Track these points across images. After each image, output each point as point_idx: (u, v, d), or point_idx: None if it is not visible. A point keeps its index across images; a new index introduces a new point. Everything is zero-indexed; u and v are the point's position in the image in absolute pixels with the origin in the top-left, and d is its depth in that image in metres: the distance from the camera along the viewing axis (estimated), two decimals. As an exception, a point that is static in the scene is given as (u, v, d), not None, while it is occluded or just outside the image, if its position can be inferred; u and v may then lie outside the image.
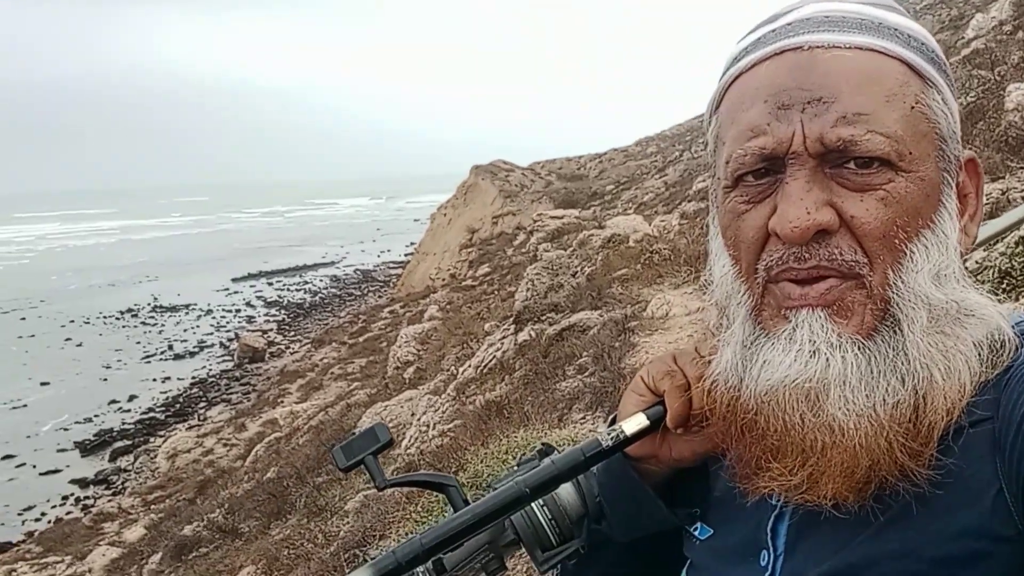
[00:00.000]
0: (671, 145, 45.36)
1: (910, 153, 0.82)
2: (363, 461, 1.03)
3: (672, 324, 7.74)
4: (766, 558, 0.92)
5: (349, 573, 0.94)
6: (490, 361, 10.33)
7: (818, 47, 0.84)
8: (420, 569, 1.00)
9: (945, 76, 0.88)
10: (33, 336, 46.92)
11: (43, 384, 37.18)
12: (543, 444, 1.09)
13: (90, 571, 14.21)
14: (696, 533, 1.02)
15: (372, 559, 0.96)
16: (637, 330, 7.75)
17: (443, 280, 35.15)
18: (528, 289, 11.29)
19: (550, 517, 1.03)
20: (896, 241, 0.82)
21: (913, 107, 0.84)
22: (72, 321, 50.29)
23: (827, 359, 0.81)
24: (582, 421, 6.18)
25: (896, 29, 0.86)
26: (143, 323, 49.90)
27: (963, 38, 16.45)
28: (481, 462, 5.44)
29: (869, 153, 0.81)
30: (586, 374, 7.29)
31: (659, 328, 7.72)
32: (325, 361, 29.35)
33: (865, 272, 0.82)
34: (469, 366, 10.82)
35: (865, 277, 0.82)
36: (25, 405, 34.34)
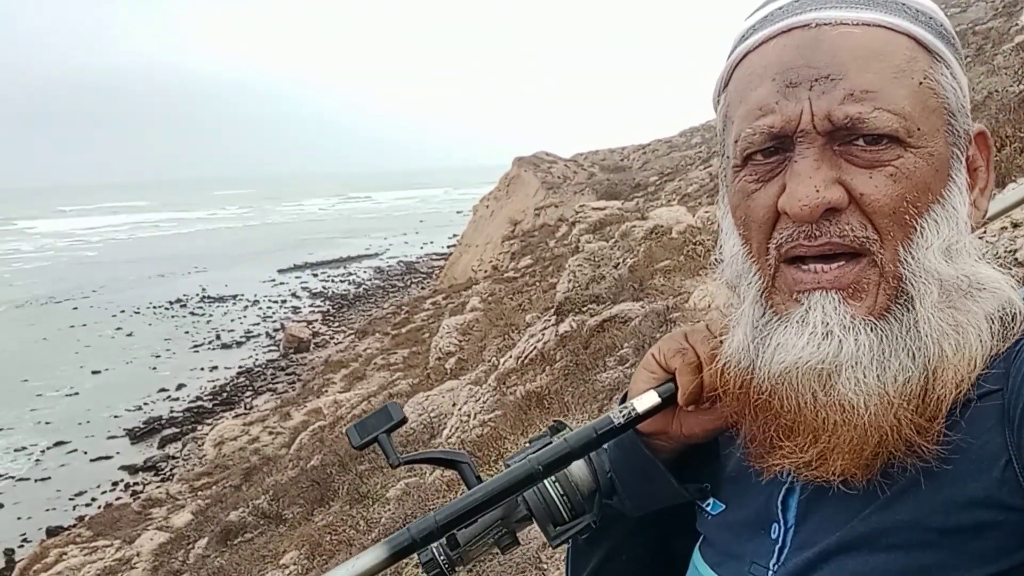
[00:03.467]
0: (715, 135, 44.83)
1: (919, 129, 0.82)
2: (377, 439, 1.04)
3: (715, 316, 7.67)
4: (776, 531, 0.92)
5: (364, 552, 0.95)
6: (531, 352, 10.33)
7: (825, 24, 0.84)
8: (435, 545, 1.01)
9: (954, 50, 0.88)
10: (85, 325, 47.84)
11: (95, 372, 37.97)
12: (555, 421, 1.10)
13: (138, 555, 14.49)
14: (708, 509, 1.03)
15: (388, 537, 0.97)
16: (679, 321, 7.70)
17: (485, 272, 35.22)
18: (570, 280, 11.27)
19: (562, 493, 1.03)
20: (906, 217, 0.82)
21: (921, 83, 0.84)
22: (123, 311, 51.17)
23: (840, 341, 0.82)
24: (621, 411, 6.15)
25: (904, 4, 0.86)
26: (192, 313, 50.64)
27: (1016, 25, 16.07)
28: (520, 451, 5.46)
29: (877, 130, 0.81)
30: (627, 365, 7.27)
31: (701, 319, 7.65)
32: (368, 351, 29.52)
33: (876, 248, 0.82)
34: (510, 357, 10.84)
35: (876, 254, 0.82)
36: (77, 393, 35.09)
